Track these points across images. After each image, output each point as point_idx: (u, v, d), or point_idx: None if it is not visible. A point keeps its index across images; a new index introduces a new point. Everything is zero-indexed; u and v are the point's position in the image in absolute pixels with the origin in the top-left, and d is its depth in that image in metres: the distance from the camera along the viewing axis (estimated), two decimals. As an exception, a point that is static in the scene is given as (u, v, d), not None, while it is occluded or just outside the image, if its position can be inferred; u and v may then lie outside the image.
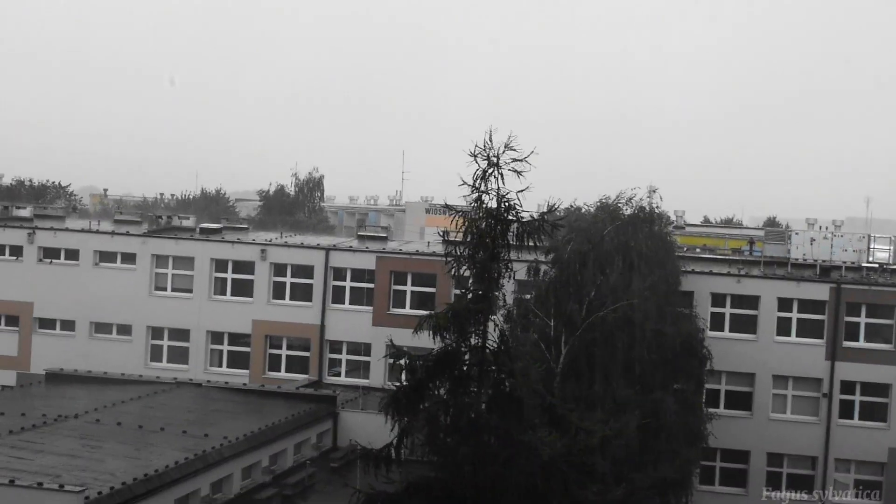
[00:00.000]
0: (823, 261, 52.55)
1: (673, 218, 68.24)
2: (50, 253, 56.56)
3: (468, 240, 24.32)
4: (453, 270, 24.57)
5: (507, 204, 24.32)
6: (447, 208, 25.40)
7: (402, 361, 24.44)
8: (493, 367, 24.15)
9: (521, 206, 24.51)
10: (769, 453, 50.79)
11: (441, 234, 23.78)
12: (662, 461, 38.72)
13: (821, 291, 50.95)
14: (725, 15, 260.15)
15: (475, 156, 24.08)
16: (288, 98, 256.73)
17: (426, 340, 24.50)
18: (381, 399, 26.36)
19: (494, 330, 24.38)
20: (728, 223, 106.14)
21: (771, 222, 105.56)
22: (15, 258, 56.77)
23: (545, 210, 26.55)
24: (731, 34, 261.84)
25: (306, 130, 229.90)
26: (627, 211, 44.85)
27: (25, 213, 60.47)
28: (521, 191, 24.25)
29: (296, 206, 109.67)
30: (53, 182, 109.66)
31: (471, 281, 24.41)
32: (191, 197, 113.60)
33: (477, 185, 24.23)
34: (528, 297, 42.21)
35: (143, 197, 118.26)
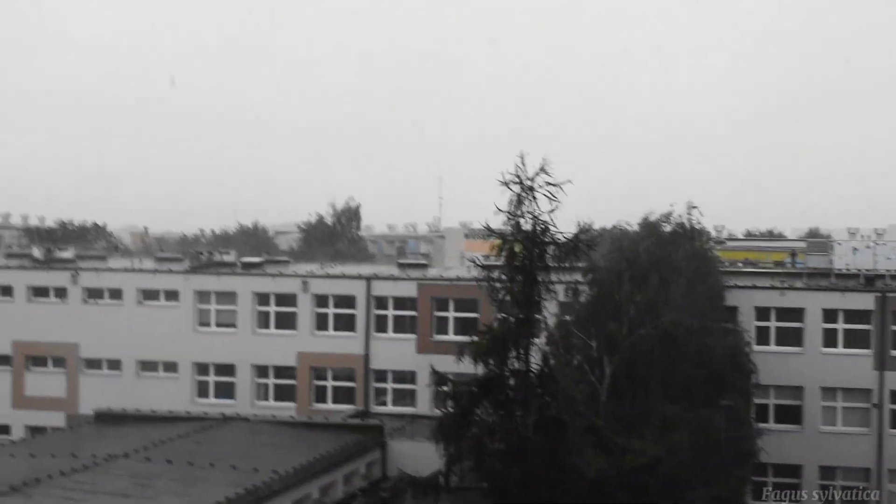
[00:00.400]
0: (867, 270, 52.18)
1: (713, 233, 68.03)
2: (94, 293, 57.02)
3: (505, 264, 24.37)
4: (491, 297, 24.60)
5: (542, 227, 24.34)
6: (489, 231, 25.44)
7: (446, 388, 24.47)
8: (538, 391, 24.14)
9: (555, 228, 24.54)
10: (821, 466, 50.34)
11: (474, 261, 23.80)
12: (715, 479, 38.43)
13: (866, 301, 50.58)
14: (755, 23, 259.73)
15: (507, 184, 24.13)
16: (320, 129, 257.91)
17: (470, 365, 24.52)
18: (429, 427, 26.37)
19: (537, 353, 24.37)
20: (770, 235, 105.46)
21: (813, 233, 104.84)
22: (60, 300, 57.26)
23: (579, 230, 26.56)
24: (767, 44, 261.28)
25: (341, 160, 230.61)
26: (667, 228, 44.76)
27: (68, 254, 61.00)
28: (551, 211, 24.33)
29: (335, 237, 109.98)
30: (94, 223, 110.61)
31: (510, 306, 24.43)
32: (230, 232, 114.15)
33: (512, 209, 24.28)
34: (570, 318, 42.14)
35: (182, 233, 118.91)
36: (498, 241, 24.69)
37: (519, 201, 24.32)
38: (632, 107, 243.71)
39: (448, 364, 26.10)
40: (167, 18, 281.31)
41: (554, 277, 25.52)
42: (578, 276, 40.31)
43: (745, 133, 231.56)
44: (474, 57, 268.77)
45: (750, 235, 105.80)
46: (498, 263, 25.16)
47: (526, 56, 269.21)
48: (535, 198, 24.30)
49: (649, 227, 45.60)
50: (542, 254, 24.40)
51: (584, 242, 25.16)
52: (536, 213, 24.40)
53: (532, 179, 24.15)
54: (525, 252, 24.26)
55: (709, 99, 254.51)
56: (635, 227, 47.33)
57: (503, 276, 24.67)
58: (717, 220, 79.46)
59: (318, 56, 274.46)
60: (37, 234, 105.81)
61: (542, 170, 24.15)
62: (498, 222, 24.93)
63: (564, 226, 25.17)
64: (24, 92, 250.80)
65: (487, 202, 24.80)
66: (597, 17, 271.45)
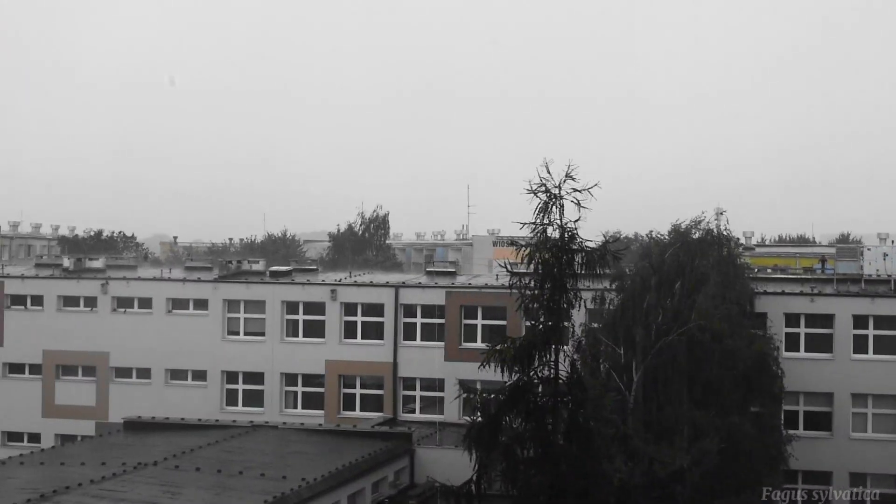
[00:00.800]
0: (898, 276, 51.88)
1: (743, 239, 67.82)
2: (123, 302, 57.30)
3: (533, 272, 24.37)
4: (520, 304, 24.60)
5: (570, 234, 24.33)
6: (513, 243, 25.44)
7: (472, 397, 24.47)
8: (567, 398, 24.12)
9: (581, 237, 24.53)
10: (851, 473, 50.01)
11: (504, 265, 23.87)
12: (744, 487, 38.28)
13: (896, 307, 50.28)
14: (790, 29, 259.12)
15: (534, 191, 24.12)
16: (348, 138, 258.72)
17: (497, 373, 24.54)
18: (457, 434, 26.42)
19: (565, 361, 24.35)
20: (800, 241, 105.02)
21: (843, 239, 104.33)
22: (90, 309, 57.56)
23: (607, 239, 26.55)
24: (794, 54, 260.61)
25: (370, 169, 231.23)
26: (696, 235, 44.69)
27: (98, 264, 61.29)
28: (577, 220, 24.33)
29: (363, 245, 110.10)
30: (122, 233, 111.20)
31: (540, 313, 24.42)
32: (258, 241, 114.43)
33: (539, 218, 24.28)
34: (598, 325, 42.10)
35: (211, 243, 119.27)
36: (526, 251, 24.68)
37: (545, 209, 24.29)
38: (663, 113, 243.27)
39: (476, 372, 26.09)
40: (192, 24, 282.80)
41: (582, 285, 25.49)
42: (606, 284, 40.21)
43: (776, 141, 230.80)
44: (503, 63, 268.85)
45: (779, 241, 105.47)
46: (527, 271, 25.13)
47: (555, 62, 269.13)
48: (562, 205, 24.28)
49: (679, 235, 45.50)
50: (570, 261, 24.37)
51: (611, 251, 25.12)
52: (564, 221, 24.36)
53: (558, 186, 24.13)
54: (553, 260, 24.23)
55: (740, 104, 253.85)
56: (665, 236, 47.26)
57: (532, 284, 24.66)
58: (747, 226, 79.20)
59: (346, 66, 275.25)
60: (67, 244, 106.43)
61: (569, 176, 24.12)
62: (525, 230, 24.94)
63: (592, 233, 25.18)
64: (51, 103, 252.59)
65: (515, 209, 24.84)
66: (627, 22, 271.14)
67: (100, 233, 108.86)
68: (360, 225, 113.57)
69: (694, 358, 39.35)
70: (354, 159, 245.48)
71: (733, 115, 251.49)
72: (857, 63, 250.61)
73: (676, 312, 39.90)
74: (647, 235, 48.77)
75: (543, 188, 24.16)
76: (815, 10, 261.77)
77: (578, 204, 24.13)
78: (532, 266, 24.48)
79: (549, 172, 24.17)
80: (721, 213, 47.07)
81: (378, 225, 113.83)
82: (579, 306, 24.77)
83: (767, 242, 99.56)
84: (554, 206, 24.27)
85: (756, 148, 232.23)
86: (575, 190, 24.17)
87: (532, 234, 24.67)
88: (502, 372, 24.08)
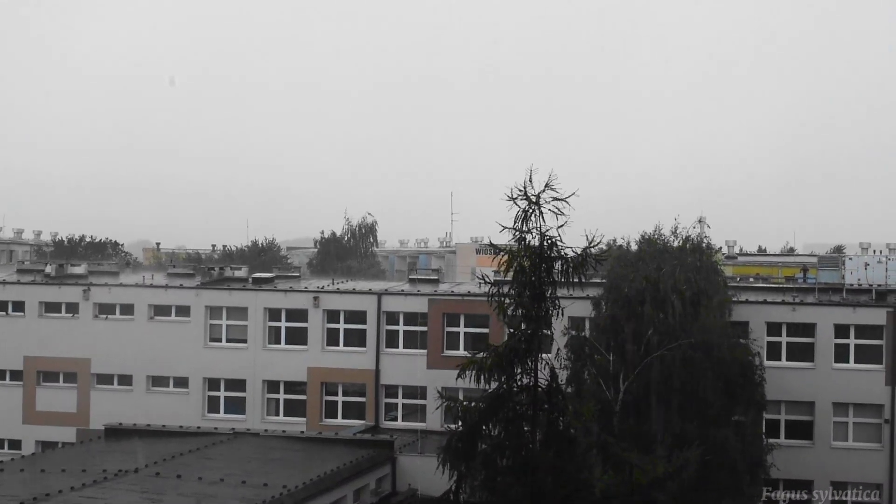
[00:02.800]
0: (879, 285, 52.08)
1: (724, 248, 67.97)
2: (105, 309, 57.16)
3: (512, 279, 24.45)
4: (499, 313, 24.68)
5: (549, 242, 24.42)
6: (493, 248, 25.53)
7: (453, 406, 24.49)
8: (546, 406, 24.14)
9: (563, 243, 24.64)
10: (833, 482, 50.16)
11: (484, 277, 23.90)
12: (725, 496, 38.37)
13: (877, 316, 50.44)
14: (779, 35, 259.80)
15: (514, 199, 24.25)
16: (330, 143, 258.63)
17: (482, 382, 24.59)
18: (439, 442, 26.42)
19: (544, 368, 24.39)
20: (781, 251, 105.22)
21: (824, 248, 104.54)
22: (71, 315, 57.44)
23: (586, 245, 26.62)
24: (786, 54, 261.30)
25: (352, 176, 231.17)
26: (675, 243, 44.79)
27: (80, 269, 61.12)
28: (561, 226, 24.43)
29: (348, 253, 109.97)
30: (106, 239, 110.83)
31: (520, 321, 24.47)
32: (242, 248, 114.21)
33: (519, 225, 24.39)
34: (583, 333, 42.18)
35: (194, 250, 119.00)
36: (505, 257, 24.75)
37: (526, 217, 24.39)
38: (645, 122, 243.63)
39: (458, 380, 26.12)
40: (175, 26, 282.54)
41: (564, 292, 25.56)
42: (591, 291, 40.32)
43: (759, 149, 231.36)
44: (485, 70, 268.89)
45: (761, 251, 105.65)
46: (507, 279, 25.21)
47: (537, 69, 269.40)
48: (541, 213, 24.38)
49: (653, 244, 45.73)
50: (550, 269, 24.44)
51: (592, 257, 25.17)
52: (543, 229, 24.45)
53: (538, 195, 24.23)
54: (532, 267, 24.29)
55: (722, 113, 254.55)
56: (635, 244, 47.46)
57: (511, 292, 24.72)
58: (729, 235, 79.34)
59: (330, 72, 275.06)
60: (49, 250, 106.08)
61: (548, 185, 24.23)
62: (504, 237, 25.04)
63: (573, 239, 25.25)
64: (33, 107, 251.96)
65: (499, 217, 24.94)
66: (611, 27, 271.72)
67: (82, 238, 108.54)
68: (347, 232, 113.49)
69: (684, 371, 39.46)
70: (338, 167, 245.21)
71: (715, 121, 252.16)
72: (842, 71, 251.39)
73: (671, 327, 39.98)
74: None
75: (524, 196, 24.26)
76: (817, 19, 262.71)
77: (558, 213, 24.23)
78: (510, 274, 24.57)
79: (531, 181, 24.29)
80: (700, 221, 47.27)
81: (366, 232, 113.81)
82: (559, 314, 24.81)
83: (749, 252, 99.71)
84: (533, 214, 24.37)
85: (742, 154, 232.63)
86: (555, 199, 24.27)
87: (511, 241, 24.77)
88: (479, 382, 24.12)
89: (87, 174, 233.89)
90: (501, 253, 24.83)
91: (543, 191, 24.23)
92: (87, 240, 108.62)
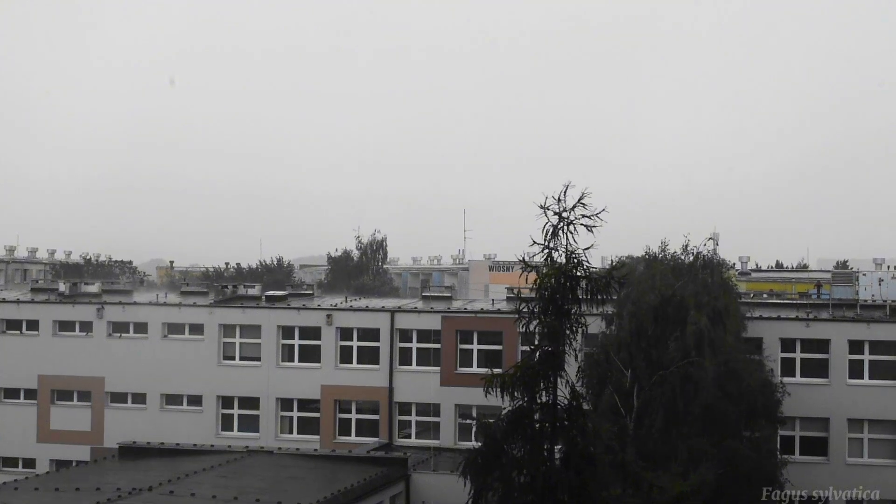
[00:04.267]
0: (893, 301, 51.93)
1: (738, 265, 67.93)
2: (119, 327, 57.24)
3: (538, 296, 24.36)
4: (524, 327, 24.60)
5: (576, 260, 24.35)
6: (524, 265, 25.33)
7: (480, 422, 24.51)
8: (566, 424, 24.09)
9: (589, 263, 24.57)
10: (848, 501, 49.88)
11: (516, 291, 23.78)
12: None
13: (892, 332, 50.28)
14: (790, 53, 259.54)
15: (545, 208, 24.15)
16: (345, 163, 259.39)
17: (493, 398, 24.52)
18: (452, 459, 26.39)
19: (565, 386, 24.32)
20: (803, 268, 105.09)
21: (839, 265, 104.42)
22: (85, 334, 57.50)
23: (611, 266, 26.61)
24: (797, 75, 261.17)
25: (366, 193, 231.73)
26: (686, 259, 44.78)
27: (94, 288, 61.23)
28: (587, 248, 24.33)
29: (360, 270, 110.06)
30: (120, 260, 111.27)
31: (537, 338, 24.42)
32: (255, 266, 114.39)
33: (546, 241, 24.32)
34: (599, 351, 42.10)
35: (205, 267, 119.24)
36: (532, 274, 24.68)
37: (554, 232, 24.34)
38: (660, 139, 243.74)
39: (471, 397, 26.19)
40: (186, 46, 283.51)
41: (586, 309, 25.49)
42: (605, 307, 40.27)
43: (773, 167, 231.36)
44: (498, 93, 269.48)
45: (775, 267, 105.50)
46: (529, 297, 25.14)
47: (551, 87, 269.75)
48: (570, 230, 24.32)
49: (663, 262, 45.82)
50: (574, 287, 24.37)
51: (616, 279, 25.11)
52: (572, 248, 24.40)
53: (569, 211, 24.18)
54: (558, 285, 24.22)
55: (736, 131, 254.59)
56: (645, 259, 47.47)
57: (534, 309, 24.66)
58: (743, 251, 79.31)
59: (340, 93, 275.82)
60: (63, 269, 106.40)
61: (580, 202, 24.18)
62: (522, 252, 25.00)
63: (592, 256, 25.20)
64: (50, 130, 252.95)
65: (510, 235, 24.98)
66: (624, 39, 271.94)
67: (97, 257, 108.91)
68: (358, 249, 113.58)
69: (699, 387, 39.35)
70: (352, 186, 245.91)
71: (729, 139, 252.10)
72: (859, 90, 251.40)
73: (685, 343, 39.91)
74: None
75: (555, 210, 24.20)
76: (829, 38, 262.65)
77: (589, 228, 24.17)
78: (536, 290, 24.50)
79: (564, 196, 24.23)
80: (711, 238, 47.22)
81: (375, 249, 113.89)
82: (583, 332, 24.78)
83: (763, 268, 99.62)
84: (562, 231, 24.30)
85: (755, 174, 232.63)
86: (584, 216, 24.21)
87: (534, 256, 24.70)
88: (502, 397, 24.07)
89: (103, 196, 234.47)
90: (529, 270, 24.74)
91: (574, 206, 24.17)
92: (101, 258, 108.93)
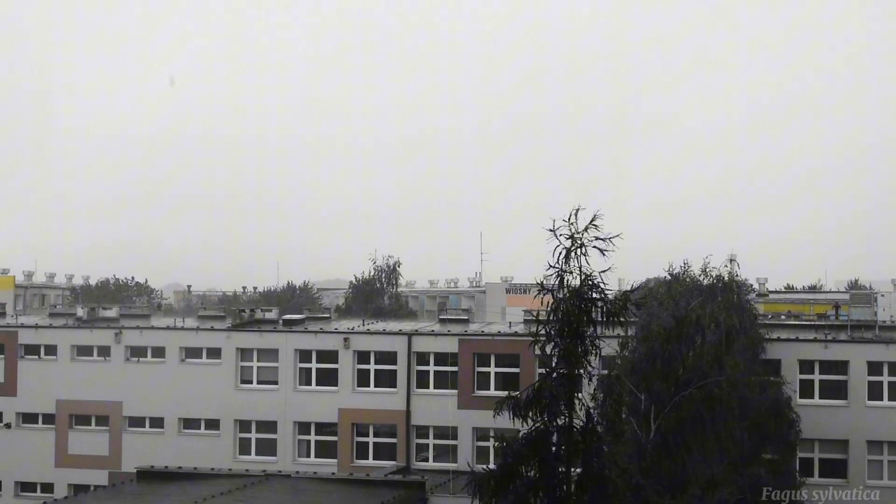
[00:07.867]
0: (911, 322, 51.74)
1: (756, 286, 67.75)
2: (137, 352, 57.37)
3: (553, 319, 24.34)
4: (539, 349, 24.60)
5: (591, 283, 24.34)
6: (541, 288, 25.32)
7: (494, 444, 24.60)
8: (582, 447, 24.05)
9: (605, 285, 24.56)
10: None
11: (535, 313, 23.99)
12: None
13: (911, 353, 50.08)
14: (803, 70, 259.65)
15: (555, 231, 24.17)
16: (362, 187, 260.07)
17: (510, 422, 24.51)
18: (467, 482, 26.31)
19: (580, 409, 24.30)
20: (812, 289, 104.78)
21: (854, 285, 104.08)
22: (103, 358, 57.63)
23: (628, 289, 26.61)
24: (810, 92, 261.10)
25: (384, 218, 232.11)
26: (706, 281, 44.71)
27: (112, 313, 61.42)
28: (604, 271, 24.31)
29: (376, 293, 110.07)
30: (138, 282, 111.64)
31: (554, 361, 24.42)
32: (273, 289, 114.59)
33: (559, 263, 24.32)
34: (615, 373, 42.01)
35: (222, 292, 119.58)
36: (548, 297, 24.68)
37: (567, 256, 24.35)
38: (676, 162, 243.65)
39: (489, 420, 26.12)
40: (208, 71, 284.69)
41: (601, 332, 25.48)
42: (619, 329, 40.16)
43: (784, 187, 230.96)
44: (513, 113, 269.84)
45: (792, 288, 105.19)
46: (545, 319, 25.13)
47: (566, 109, 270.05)
48: (584, 253, 24.33)
49: (683, 283, 45.76)
50: (590, 310, 24.36)
51: (632, 302, 25.11)
52: (588, 270, 24.41)
53: (581, 234, 24.20)
54: (573, 308, 24.21)
55: (751, 151, 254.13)
56: (666, 281, 47.44)
57: (550, 331, 24.65)
58: (760, 273, 79.17)
59: (359, 115, 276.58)
60: (81, 294, 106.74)
61: (593, 224, 24.19)
62: (538, 274, 25.02)
63: (608, 279, 25.18)
64: (65, 152, 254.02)
65: (527, 257, 25.04)
66: (642, 67, 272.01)
67: (114, 281, 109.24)
68: (373, 274, 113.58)
69: (713, 410, 39.22)
70: (368, 209, 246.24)
71: (746, 160, 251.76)
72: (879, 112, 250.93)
73: (698, 366, 39.81)
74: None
75: (568, 234, 24.23)
76: (850, 60, 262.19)
77: (602, 252, 24.20)
78: (551, 313, 24.49)
79: (575, 219, 24.24)
80: (732, 260, 47.17)
81: (389, 273, 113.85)
82: (598, 355, 24.76)
83: (780, 289, 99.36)
84: (575, 254, 24.31)
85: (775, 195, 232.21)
86: (598, 238, 24.23)
87: (548, 278, 24.69)
88: (513, 420, 24.05)
89: (120, 222, 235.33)
90: (545, 293, 24.74)
91: (587, 229, 24.18)
92: (118, 283, 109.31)
